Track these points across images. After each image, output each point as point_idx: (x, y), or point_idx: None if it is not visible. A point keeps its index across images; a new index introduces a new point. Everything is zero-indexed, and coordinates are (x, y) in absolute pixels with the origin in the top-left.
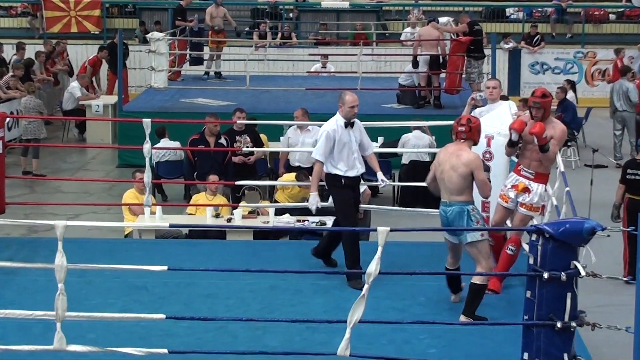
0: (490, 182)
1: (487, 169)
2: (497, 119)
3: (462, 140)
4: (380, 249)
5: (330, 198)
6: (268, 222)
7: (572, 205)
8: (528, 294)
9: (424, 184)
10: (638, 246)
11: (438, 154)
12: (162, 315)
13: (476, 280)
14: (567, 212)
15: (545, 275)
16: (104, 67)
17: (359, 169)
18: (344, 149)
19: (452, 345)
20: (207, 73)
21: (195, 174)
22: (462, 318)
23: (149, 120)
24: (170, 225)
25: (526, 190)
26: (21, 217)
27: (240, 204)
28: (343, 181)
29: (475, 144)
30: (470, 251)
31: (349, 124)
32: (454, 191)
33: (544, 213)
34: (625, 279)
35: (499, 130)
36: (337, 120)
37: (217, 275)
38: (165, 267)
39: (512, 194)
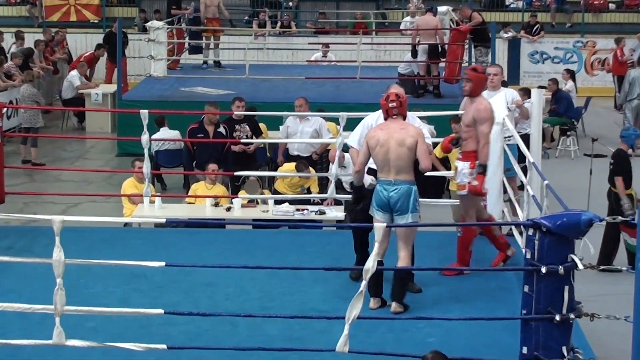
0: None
1: None
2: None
3: (394, 117)
4: (377, 245)
5: (330, 189)
6: (267, 210)
7: (557, 197)
8: (526, 288)
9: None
10: (638, 236)
11: (373, 136)
12: (161, 311)
13: (402, 265)
14: (550, 205)
15: (543, 269)
16: (102, 57)
17: None
18: None
19: (451, 334)
20: (205, 62)
21: (195, 162)
22: (395, 306)
23: (146, 111)
24: (167, 220)
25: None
26: (21, 206)
27: (240, 194)
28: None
29: (405, 118)
30: (406, 232)
31: None
32: (403, 169)
33: (471, 190)
34: (624, 268)
35: None
36: (381, 112)
37: (216, 263)
38: (163, 263)
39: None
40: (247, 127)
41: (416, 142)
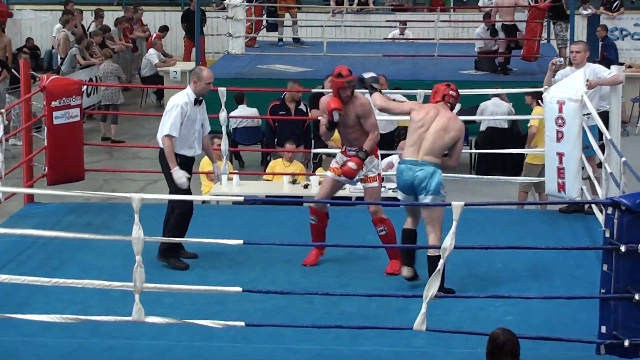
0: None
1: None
2: (569, 85)
3: (448, 104)
4: (455, 223)
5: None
6: (345, 188)
7: (635, 175)
8: (605, 267)
9: (501, 150)
10: None
11: (420, 110)
12: (239, 289)
13: (433, 252)
14: (629, 183)
15: (622, 248)
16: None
17: (197, 150)
18: (189, 126)
19: (528, 313)
20: (281, 39)
21: (276, 140)
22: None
23: (224, 89)
24: (245, 198)
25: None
26: (100, 183)
27: (317, 171)
28: (179, 159)
29: (452, 109)
30: (429, 215)
31: (198, 101)
32: (435, 151)
33: (380, 180)
34: None
35: (570, 95)
36: (188, 94)
37: (293, 240)
38: (241, 241)
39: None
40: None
41: (457, 138)
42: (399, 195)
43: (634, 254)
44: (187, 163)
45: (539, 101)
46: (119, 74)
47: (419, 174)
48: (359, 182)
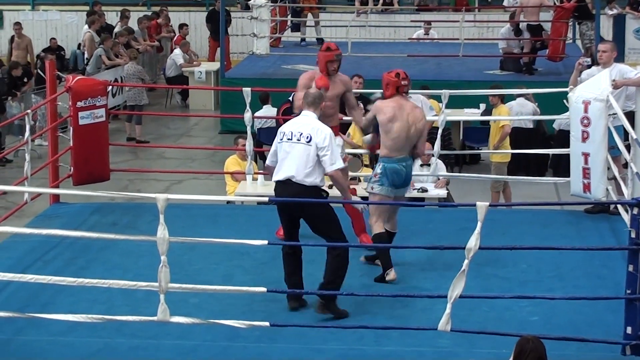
0: None
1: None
2: (595, 85)
3: (404, 94)
4: (479, 224)
5: (432, 166)
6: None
7: None
8: (630, 268)
9: (526, 151)
10: None
11: (388, 109)
12: (264, 289)
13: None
14: None
15: None
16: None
17: None
18: None
19: (553, 313)
20: (304, 39)
21: None
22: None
23: (248, 89)
24: (270, 198)
25: None
26: (125, 183)
27: None
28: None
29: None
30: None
31: None
32: (412, 145)
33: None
34: None
35: (596, 95)
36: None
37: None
38: (266, 242)
39: None
40: (361, 104)
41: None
42: (389, 193)
43: None
44: None
45: (502, 100)
46: (142, 75)
47: (408, 169)
48: None
